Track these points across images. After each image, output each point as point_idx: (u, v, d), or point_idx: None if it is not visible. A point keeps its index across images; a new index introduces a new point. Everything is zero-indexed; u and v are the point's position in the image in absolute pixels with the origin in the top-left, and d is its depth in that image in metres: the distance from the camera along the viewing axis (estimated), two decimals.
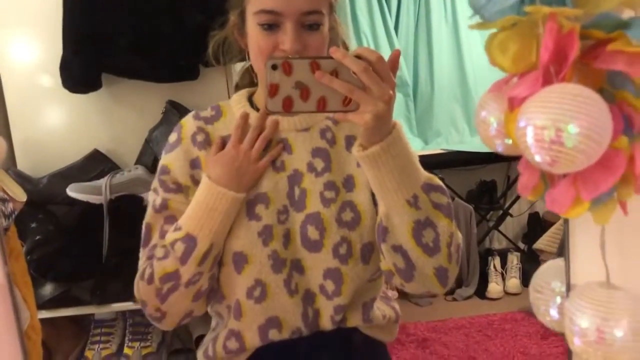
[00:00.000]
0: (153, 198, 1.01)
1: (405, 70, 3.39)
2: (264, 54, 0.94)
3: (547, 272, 0.65)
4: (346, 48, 1.05)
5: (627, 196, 0.51)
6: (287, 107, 0.81)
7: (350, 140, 1.02)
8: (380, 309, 1.05)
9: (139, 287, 0.98)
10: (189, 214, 0.95)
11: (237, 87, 1.13)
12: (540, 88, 0.52)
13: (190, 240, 0.93)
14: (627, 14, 0.52)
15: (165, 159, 1.02)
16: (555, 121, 0.49)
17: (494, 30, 0.56)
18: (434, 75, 3.43)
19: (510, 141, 0.58)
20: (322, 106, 0.81)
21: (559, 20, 0.51)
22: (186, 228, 0.94)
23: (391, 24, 3.38)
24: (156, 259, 0.96)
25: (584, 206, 0.52)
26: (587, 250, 0.60)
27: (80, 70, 1.73)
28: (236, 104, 1.05)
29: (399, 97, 3.43)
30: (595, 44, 0.52)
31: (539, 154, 0.50)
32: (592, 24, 0.51)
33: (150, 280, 0.95)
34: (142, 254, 1.00)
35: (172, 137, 1.04)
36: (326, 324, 0.98)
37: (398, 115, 3.40)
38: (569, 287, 0.62)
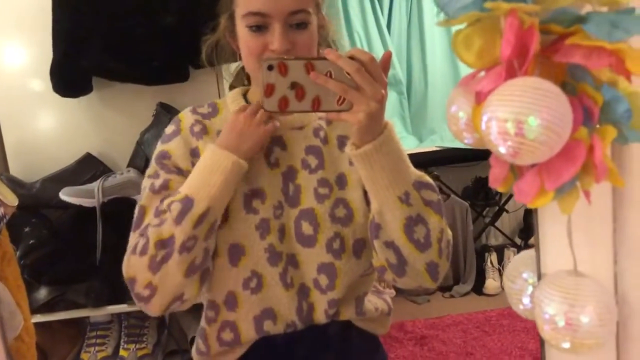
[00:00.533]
0: (151, 182, 1.00)
1: (398, 69, 3.40)
2: (253, 54, 0.96)
3: (519, 263, 0.66)
4: (335, 48, 1.07)
5: (589, 185, 0.53)
6: (283, 107, 0.83)
7: (342, 140, 1.04)
8: (372, 302, 1.08)
9: (130, 262, 0.94)
10: (189, 178, 0.96)
11: (231, 88, 1.15)
12: (503, 82, 0.53)
13: (187, 201, 0.92)
14: (586, 8, 0.53)
15: (164, 146, 1.03)
16: (517, 114, 0.50)
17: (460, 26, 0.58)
18: (427, 73, 3.44)
19: (478, 135, 0.59)
20: (316, 106, 0.83)
21: (520, 15, 0.52)
22: (185, 191, 0.94)
23: (384, 23, 3.40)
24: (151, 226, 0.93)
25: (548, 196, 0.53)
26: (556, 240, 0.61)
27: (71, 74, 1.75)
28: (232, 101, 1.07)
29: (393, 96, 3.44)
30: (556, 39, 0.54)
31: (502, 146, 0.51)
32: (550, 19, 0.52)
33: (144, 250, 0.92)
34: (132, 237, 0.97)
35: (170, 129, 1.05)
36: (320, 317, 1.00)
37: (392, 113, 3.41)
38: (539, 277, 0.63)
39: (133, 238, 0.97)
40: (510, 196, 3.48)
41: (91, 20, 1.72)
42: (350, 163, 1.01)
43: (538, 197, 0.54)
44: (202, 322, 1.07)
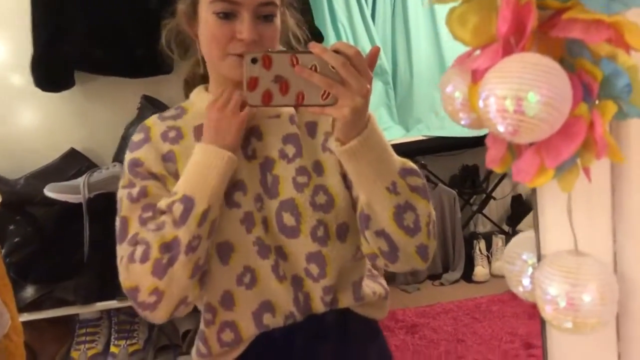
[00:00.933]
0: (127, 192, 0.97)
1: (384, 59, 3.39)
2: (220, 43, 0.94)
3: (518, 244, 0.65)
4: (297, 39, 1.06)
5: (589, 162, 0.52)
6: (267, 101, 0.82)
7: (310, 127, 1.04)
8: (370, 286, 1.08)
9: (129, 271, 0.92)
10: (184, 178, 0.94)
11: (187, 83, 1.12)
12: (500, 59, 0.52)
13: (188, 201, 0.91)
14: None
15: (134, 154, 1.00)
16: (516, 90, 0.49)
17: (454, 4, 0.57)
18: (412, 62, 3.43)
19: (475, 115, 0.58)
20: (300, 100, 0.82)
21: None
22: (182, 190, 0.92)
23: (368, 12, 3.38)
24: (150, 231, 0.91)
25: (549, 174, 0.53)
26: (556, 220, 0.61)
27: (52, 68, 1.71)
28: (198, 100, 1.05)
29: (379, 86, 3.43)
30: (553, 14, 0.53)
31: (501, 124, 0.51)
32: None
33: (145, 256, 0.90)
34: (121, 249, 0.94)
35: (138, 137, 1.02)
36: (318, 306, 1.00)
37: (379, 103, 3.41)
38: (539, 257, 0.62)
39: (123, 249, 0.94)
40: (498, 183, 3.50)
41: (72, 9, 1.68)
42: (323, 149, 1.01)
43: (538, 176, 0.54)
44: (201, 325, 1.05)
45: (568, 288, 0.55)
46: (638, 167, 0.59)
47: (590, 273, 0.56)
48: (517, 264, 0.64)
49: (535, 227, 0.62)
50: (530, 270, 0.63)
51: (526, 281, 0.63)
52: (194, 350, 1.07)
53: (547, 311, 0.56)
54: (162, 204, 0.93)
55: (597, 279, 0.55)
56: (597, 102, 0.51)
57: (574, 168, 0.53)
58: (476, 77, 0.55)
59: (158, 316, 0.94)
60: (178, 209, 0.91)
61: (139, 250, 0.91)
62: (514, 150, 0.59)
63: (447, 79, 0.60)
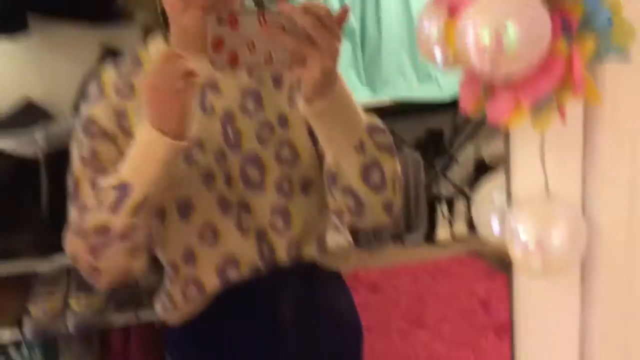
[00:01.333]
0: (79, 150, 0.95)
1: (352, 19, 3.34)
2: None
3: (488, 186, 0.65)
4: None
5: (566, 100, 0.51)
6: (233, 62, 0.79)
7: (276, 79, 1.02)
8: (334, 239, 1.08)
9: (70, 241, 0.92)
10: (128, 157, 0.89)
11: (147, 31, 1.06)
12: None
13: (123, 189, 0.87)
14: None
15: (88, 109, 0.97)
16: (495, 25, 0.48)
17: None
18: (381, 22, 3.40)
19: (450, 51, 0.56)
20: (268, 60, 0.79)
21: None
22: (124, 174, 0.88)
23: None
24: (89, 210, 0.90)
25: (524, 113, 0.52)
26: (526, 163, 0.60)
27: (1, 7, 1.62)
28: (156, 51, 1.01)
29: (347, 46, 3.39)
30: None
31: (479, 59, 0.49)
32: None
33: (82, 234, 0.89)
34: (70, 211, 0.94)
35: (93, 89, 0.99)
36: (283, 258, 1.00)
37: (347, 64, 3.37)
38: (510, 202, 0.62)
39: (72, 213, 0.94)
40: (461, 146, 3.54)
41: None
42: (290, 103, 1.00)
43: (513, 115, 0.53)
44: (165, 281, 1.04)
45: (537, 230, 0.55)
46: (611, 111, 0.59)
47: (559, 216, 0.56)
48: (487, 208, 0.64)
49: (506, 170, 0.62)
50: (499, 214, 0.63)
51: (495, 225, 0.63)
52: (159, 306, 1.07)
53: (516, 252, 0.57)
54: (105, 184, 0.89)
55: (565, 221, 0.56)
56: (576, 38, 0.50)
57: (549, 107, 0.52)
58: (453, 11, 0.54)
59: (100, 285, 0.96)
60: (113, 195, 0.87)
61: (80, 224, 0.91)
62: (487, 92, 0.59)
63: (423, 17, 0.59)
